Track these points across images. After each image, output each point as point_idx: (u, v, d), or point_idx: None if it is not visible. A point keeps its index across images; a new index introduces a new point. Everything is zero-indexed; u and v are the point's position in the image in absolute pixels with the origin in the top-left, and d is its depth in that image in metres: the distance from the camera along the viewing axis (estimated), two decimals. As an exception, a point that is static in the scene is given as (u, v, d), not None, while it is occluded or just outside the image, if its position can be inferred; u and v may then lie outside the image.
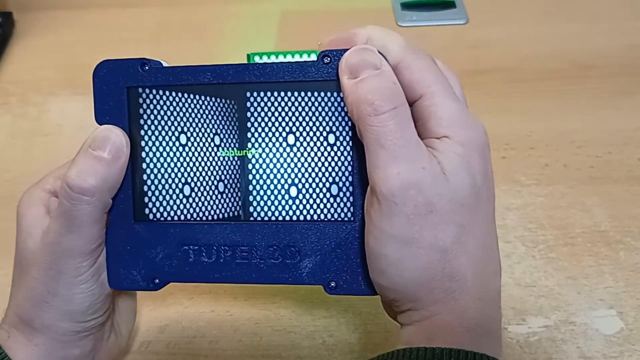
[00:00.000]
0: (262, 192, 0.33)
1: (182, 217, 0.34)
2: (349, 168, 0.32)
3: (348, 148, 0.32)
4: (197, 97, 0.33)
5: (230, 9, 0.74)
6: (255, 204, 0.33)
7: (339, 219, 0.32)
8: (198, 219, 0.34)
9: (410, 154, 0.28)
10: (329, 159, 0.32)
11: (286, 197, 0.33)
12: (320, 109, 0.32)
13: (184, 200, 0.34)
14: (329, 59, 0.31)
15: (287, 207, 0.33)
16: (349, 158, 0.32)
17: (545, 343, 0.45)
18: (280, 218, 0.33)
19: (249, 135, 0.33)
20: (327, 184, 0.32)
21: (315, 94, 0.32)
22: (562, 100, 0.61)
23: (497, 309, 0.30)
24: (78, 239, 0.32)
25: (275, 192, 0.33)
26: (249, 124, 0.33)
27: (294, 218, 0.33)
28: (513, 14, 0.71)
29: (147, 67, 0.33)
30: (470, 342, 0.28)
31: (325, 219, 0.33)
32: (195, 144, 0.33)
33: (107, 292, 0.35)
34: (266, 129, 0.33)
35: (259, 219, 0.33)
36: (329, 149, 0.32)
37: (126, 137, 0.33)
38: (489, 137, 0.31)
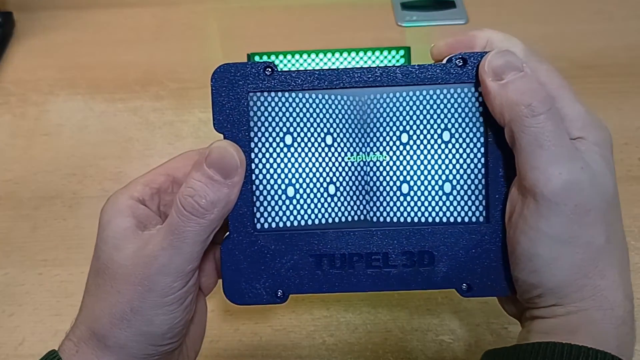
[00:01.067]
0: (388, 197, 0.32)
1: (304, 225, 0.32)
2: (482, 171, 0.32)
3: (481, 150, 0.32)
4: (311, 101, 0.32)
5: (230, 9, 0.74)
6: (381, 209, 0.32)
7: (472, 221, 0.32)
8: (320, 225, 0.32)
9: (569, 154, 0.28)
10: (461, 162, 0.32)
11: (415, 201, 0.32)
12: (448, 112, 0.32)
13: (303, 207, 0.32)
14: (463, 61, 0.31)
15: (416, 211, 0.32)
16: (482, 160, 0.32)
17: (545, 343, 0.45)
18: (410, 222, 0.32)
19: (372, 139, 0.32)
20: (459, 187, 0.32)
21: (441, 98, 0.32)
22: (562, 100, 0.61)
23: (634, 308, 0.31)
24: (178, 256, 0.30)
25: (404, 195, 0.32)
26: (371, 128, 0.32)
27: (425, 222, 0.32)
28: (513, 14, 0.72)
29: (269, 71, 0.32)
30: (615, 339, 0.29)
31: (459, 222, 0.32)
32: (307, 149, 0.32)
33: (187, 317, 0.33)
34: (393, 131, 0.32)
35: (387, 224, 0.32)
36: (460, 152, 0.32)
37: (242, 155, 0.31)
38: None
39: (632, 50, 0.66)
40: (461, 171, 0.32)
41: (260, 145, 0.32)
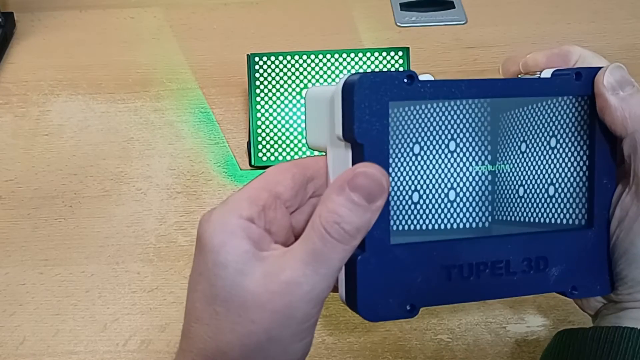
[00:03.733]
0: (509, 205, 0.33)
1: (436, 237, 0.32)
2: (586, 179, 0.34)
3: (587, 159, 0.34)
4: (448, 111, 0.32)
5: (230, 9, 0.74)
6: (503, 216, 0.34)
7: (580, 225, 0.34)
8: (451, 237, 0.33)
9: None
10: (569, 172, 0.34)
11: (532, 208, 0.34)
12: (564, 124, 0.34)
13: (436, 219, 0.33)
14: (578, 75, 0.33)
15: (534, 218, 0.34)
16: (586, 169, 0.34)
17: (543, 342, 0.45)
18: (528, 230, 0.34)
19: (499, 150, 0.33)
20: (570, 194, 0.34)
21: (561, 109, 0.34)
22: (561, 101, 0.61)
23: None
24: (322, 282, 0.29)
25: (523, 204, 0.34)
26: (499, 137, 0.33)
27: (541, 229, 0.34)
28: (512, 14, 0.72)
29: (410, 81, 0.31)
30: None
31: (570, 228, 0.34)
32: (440, 160, 0.33)
33: (313, 339, 0.32)
34: (516, 142, 0.33)
35: (508, 232, 0.33)
36: (571, 160, 0.34)
37: (387, 177, 0.29)
38: None
39: (630, 51, 0.66)
40: (571, 179, 0.34)
41: (398, 158, 0.32)
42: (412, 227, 0.32)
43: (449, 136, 0.32)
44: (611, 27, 0.69)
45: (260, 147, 0.57)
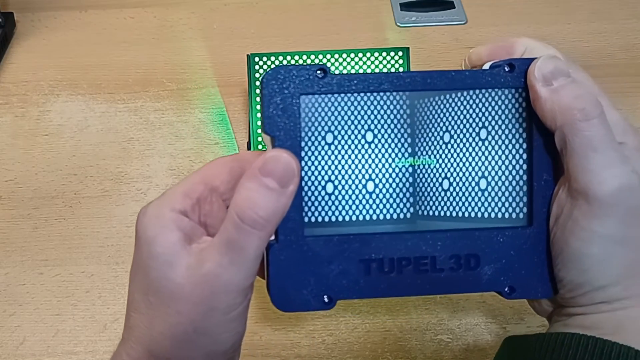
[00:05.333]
0: (435, 201, 0.32)
1: (353, 230, 0.32)
2: (525, 174, 0.32)
3: (524, 155, 0.32)
4: (361, 105, 0.32)
5: (230, 9, 0.74)
6: (429, 212, 0.32)
7: (517, 224, 0.32)
8: (370, 231, 0.32)
9: (620, 157, 0.29)
10: (505, 165, 0.32)
11: (463, 205, 0.32)
12: (494, 117, 0.32)
13: (355, 213, 0.32)
14: (511, 67, 0.32)
15: (463, 215, 0.32)
16: (524, 165, 0.32)
17: (543, 342, 0.45)
18: (457, 227, 0.32)
19: (420, 142, 0.32)
20: (504, 190, 0.32)
21: (489, 102, 0.32)
22: (561, 101, 0.61)
23: None
24: (239, 272, 0.29)
25: (451, 200, 0.32)
26: (419, 131, 0.32)
27: (471, 226, 0.32)
28: (511, 14, 0.72)
29: (322, 74, 0.31)
30: None
31: (504, 225, 0.32)
32: (357, 154, 0.32)
33: (246, 327, 0.32)
34: (441, 136, 0.32)
35: (435, 228, 0.32)
36: (505, 155, 0.32)
37: (297, 162, 0.30)
38: None
39: (630, 51, 0.66)
40: (506, 175, 0.32)
41: (310, 151, 0.32)
42: (327, 218, 0.32)
43: (365, 127, 0.32)
44: (611, 27, 0.69)
45: (260, 147, 0.57)
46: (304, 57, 0.58)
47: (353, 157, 0.32)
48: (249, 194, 0.29)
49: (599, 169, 0.29)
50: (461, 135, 0.32)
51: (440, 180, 0.32)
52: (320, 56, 0.58)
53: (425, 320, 0.47)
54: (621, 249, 0.29)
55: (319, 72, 0.31)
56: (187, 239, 0.30)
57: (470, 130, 0.32)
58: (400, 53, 0.58)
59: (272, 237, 0.31)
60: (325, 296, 0.31)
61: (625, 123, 0.31)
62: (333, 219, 0.32)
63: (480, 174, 0.32)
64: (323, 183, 0.32)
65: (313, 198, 0.32)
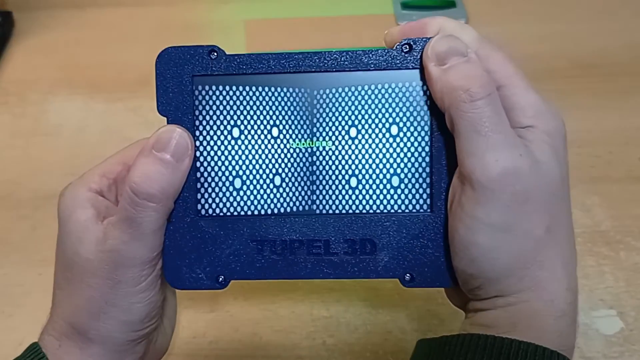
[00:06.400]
0: (332, 185, 0.32)
1: (246, 212, 0.32)
2: (426, 159, 0.31)
3: (426, 139, 0.31)
4: (260, 88, 0.32)
5: (230, 9, 0.74)
6: (324, 197, 0.32)
7: (416, 210, 0.32)
8: (263, 213, 0.32)
9: (507, 141, 0.28)
10: (405, 150, 0.31)
11: (359, 189, 0.32)
12: (394, 99, 0.31)
13: (246, 194, 0.32)
14: (409, 47, 0.31)
15: (360, 200, 0.32)
16: (426, 149, 0.31)
17: (545, 343, 0.45)
18: (353, 211, 0.32)
19: (318, 127, 0.32)
20: (403, 176, 0.31)
21: (388, 85, 0.31)
22: (562, 100, 0.60)
23: (577, 301, 0.30)
24: (140, 247, 0.30)
25: (348, 184, 0.32)
26: (317, 116, 0.32)
27: (368, 210, 0.32)
28: (513, 13, 0.71)
29: (215, 54, 0.32)
30: (556, 331, 0.28)
31: (403, 211, 0.32)
32: (253, 137, 0.32)
33: (162, 298, 0.33)
34: (336, 121, 0.32)
35: (330, 212, 0.32)
36: (405, 140, 0.31)
37: (190, 137, 0.31)
38: None
39: (633, 50, 0.66)
40: (405, 159, 0.31)
41: (205, 132, 0.32)
42: (221, 196, 0.32)
43: (264, 112, 0.32)
44: (613, 26, 0.68)
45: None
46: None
47: (250, 138, 0.32)
48: (143, 168, 0.30)
49: (481, 152, 0.27)
50: (362, 121, 0.32)
51: (339, 166, 0.32)
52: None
53: (426, 321, 0.47)
54: (508, 238, 0.28)
55: (211, 52, 0.32)
56: (100, 216, 0.32)
57: (370, 112, 0.32)
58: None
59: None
60: (220, 276, 0.32)
61: (541, 106, 0.30)
62: (227, 202, 0.32)
63: (382, 159, 0.32)
64: (220, 163, 0.32)
65: (209, 178, 0.32)
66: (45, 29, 0.72)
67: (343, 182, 0.32)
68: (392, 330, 0.47)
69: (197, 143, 0.32)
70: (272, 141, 0.32)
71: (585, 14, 0.70)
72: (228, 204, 0.32)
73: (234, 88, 0.32)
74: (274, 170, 0.32)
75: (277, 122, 0.32)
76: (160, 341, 0.37)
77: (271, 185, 0.32)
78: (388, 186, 0.32)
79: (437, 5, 0.72)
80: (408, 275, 0.31)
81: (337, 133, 0.32)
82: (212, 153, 0.32)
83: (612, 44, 0.66)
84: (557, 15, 0.71)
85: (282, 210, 0.32)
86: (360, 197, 0.32)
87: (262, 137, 0.32)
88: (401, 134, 0.31)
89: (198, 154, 0.32)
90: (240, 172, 0.32)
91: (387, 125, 0.31)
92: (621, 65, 0.64)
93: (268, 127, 0.32)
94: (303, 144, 0.32)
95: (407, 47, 0.31)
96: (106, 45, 0.70)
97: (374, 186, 0.32)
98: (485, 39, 0.31)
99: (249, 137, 0.32)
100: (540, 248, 0.28)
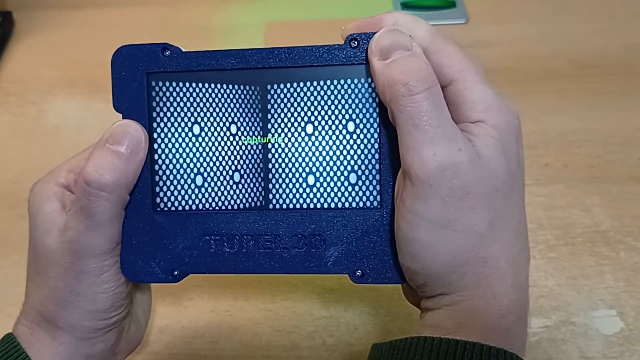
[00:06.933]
0: (284, 181, 0.32)
1: (201, 207, 0.33)
2: (376, 155, 0.31)
3: (375, 134, 0.31)
4: (214, 85, 0.32)
5: (230, 9, 0.74)
6: (277, 192, 0.32)
7: (366, 206, 0.32)
8: (217, 208, 0.33)
9: (445, 135, 0.27)
10: (354, 146, 0.31)
11: (309, 185, 0.32)
12: (343, 95, 0.31)
13: (201, 190, 0.33)
14: (356, 42, 0.31)
15: (310, 195, 0.32)
16: (375, 145, 0.31)
17: (545, 343, 0.45)
18: (304, 206, 0.32)
19: (271, 123, 0.32)
20: (352, 171, 0.32)
21: (337, 80, 0.31)
22: (562, 100, 0.61)
23: (527, 297, 0.30)
24: (98, 237, 0.31)
25: (299, 180, 0.32)
26: (270, 113, 0.32)
27: (319, 206, 0.32)
28: (513, 13, 0.71)
29: (168, 52, 0.32)
30: (502, 329, 0.28)
31: (352, 207, 0.32)
32: (210, 134, 0.32)
33: (128, 288, 0.34)
34: (287, 117, 0.32)
35: (284, 207, 0.32)
36: (354, 136, 0.31)
37: (145, 132, 0.32)
38: None
39: (632, 50, 0.66)
40: (355, 156, 0.32)
41: (161, 127, 0.33)
42: (182, 198, 0.33)
43: (217, 108, 0.32)
44: (613, 26, 0.68)
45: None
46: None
47: (204, 135, 0.33)
48: (96, 160, 0.31)
49: (419, 147, 0.27)
50: (312, 117, 0.32)
51: (292, 162, 0.32)
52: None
53: (426, 321, 0.47)
54: (447, 233, 0.27)
55: (164, 50, 0.32)
56: (66, 209, 0.33)
57: (320, 108, 0.32)
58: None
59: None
60: (175, 270, 0.33)
61: (493, 100, 0.29)
62: (182, 199, 0.33)
63: (332, 155, 0.32)
64: (177, 158, 0.33)
65: (167, 172, 0.33)
66: (45, 29, 0.72)
67: (295, 177, 0.32)
68: (392, 330, 0.46)
69: (155, 136, 0.33)
70: (227, 137, 0.33)
71: (585, 14, 0.70)
72: (183, 199, 0.33)
73: (189, 85, 0.32)
74: (228, 168, 0.33)
75: (233, 118, 0.32)
76: (134, 330, 0.38)
77: (225, 182, 0.33)
78: (339, 182, 0.32)
79: (437, 5, 0.72)
80: (358, 271, 0.31)
81: (289, 128, 0.32)
82: (169, 147, 0.33)
83: (612, 44, 0.66)
84: (557, 15, 0.71)
85: (236, 205, 0.33)
86: (312, 192, 0.32)
87: (217, 134, 0.33)
88: (350, 129, 0.31)
89: (156, 146, 0.33)
90: (196, 168, 0.33)
91: (336, 121, 0.32)
92: (621, 65, 0.64)
93: (223, 123, 0.33)
94: (257, 140, 0.32)
95: (355, 42, 0.31)
96: (106, 45, 0.70)
97: (325, 182, 0.32)
98: (439, 32, 0.30)
99: (206, 132, 0.33)
100: (482, 244, 0.28)
